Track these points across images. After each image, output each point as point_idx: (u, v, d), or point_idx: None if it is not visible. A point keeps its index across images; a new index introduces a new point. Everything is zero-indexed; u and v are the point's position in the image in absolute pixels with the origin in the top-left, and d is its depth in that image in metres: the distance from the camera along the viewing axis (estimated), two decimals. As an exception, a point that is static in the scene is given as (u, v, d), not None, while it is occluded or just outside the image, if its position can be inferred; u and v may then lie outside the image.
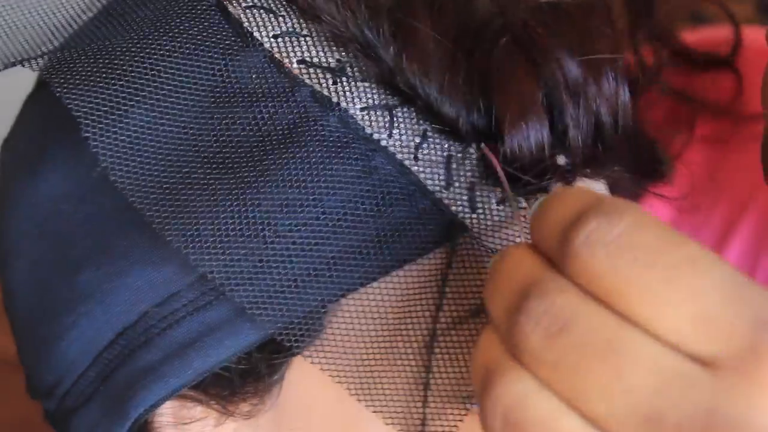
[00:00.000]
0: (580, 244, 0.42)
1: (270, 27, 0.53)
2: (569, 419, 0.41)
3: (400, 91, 0.52)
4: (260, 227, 0.50)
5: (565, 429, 0.41)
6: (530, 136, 0.51)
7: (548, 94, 0.52)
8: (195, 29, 0.53)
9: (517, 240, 0.52)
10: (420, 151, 0.52)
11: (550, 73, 0.51)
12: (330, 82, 0.52)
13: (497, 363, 0.43)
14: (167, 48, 0.53)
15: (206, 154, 0.52)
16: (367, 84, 0.52)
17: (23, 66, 0.54)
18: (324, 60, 0.53)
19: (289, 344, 0.51)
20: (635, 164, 0.56)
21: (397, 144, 0.52)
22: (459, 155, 0.52)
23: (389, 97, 0.52)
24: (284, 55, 0.53)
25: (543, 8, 0.53)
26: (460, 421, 0.52)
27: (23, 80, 0.58)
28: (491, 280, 0.45)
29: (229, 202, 0.51)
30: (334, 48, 0.53)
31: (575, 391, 0.41)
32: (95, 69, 0.53)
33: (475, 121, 0.52)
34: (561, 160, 0.53)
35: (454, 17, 0.53)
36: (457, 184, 0.52)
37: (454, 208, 0.52)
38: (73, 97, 0.52)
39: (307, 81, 0.52)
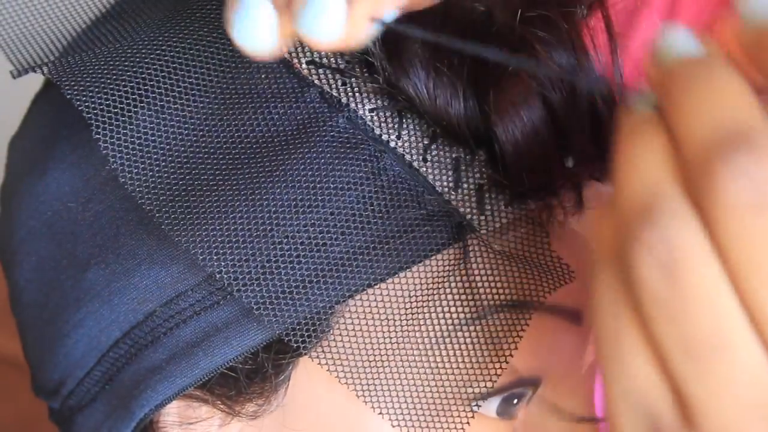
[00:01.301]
0: (723, 181, 0.36)
1: None
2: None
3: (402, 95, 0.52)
4: (268, 227, 0.50)
5: None
6: (525, 122, 0.51)
7: (539, 86, 0.51)
8: (204, 30, 0.53)
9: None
10: (429, 152, 0.52)
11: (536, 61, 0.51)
12: (339, 83, 0.52)
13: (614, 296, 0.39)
14: (177, 49, 0.53)
15: (215, 155, 0.52)
16: (375, 85, 0.52)
17: (35, 72, 0.54)
18: (333, 61, 0.53)
19: (295, 345, 0.51)
20: None
21: (405, 145, 0.52)
22: (467, 157, 0.52)
23: (397, 99, 0.52)
24: (293, 55, 0.53)
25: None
26: (467, 423, 0.53)
27: (29, 80, 0.58)
28: (624, 160, 0.39)
29: (237, 203, 0.51)
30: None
31: (668, 343, 0.37)
32: (106, 71, 0.53)
33: (469, 115, 0.51)
34: (569, 162, 0.53)
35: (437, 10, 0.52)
36: (465, 186, 0.52)
37: (462, 209, 0.52)
38: (84, 98, 0.52)
39: (317, 82, 0.52)
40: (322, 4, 0.42)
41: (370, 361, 0.52)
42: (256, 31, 0.44)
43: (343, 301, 0.51)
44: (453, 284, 0.52)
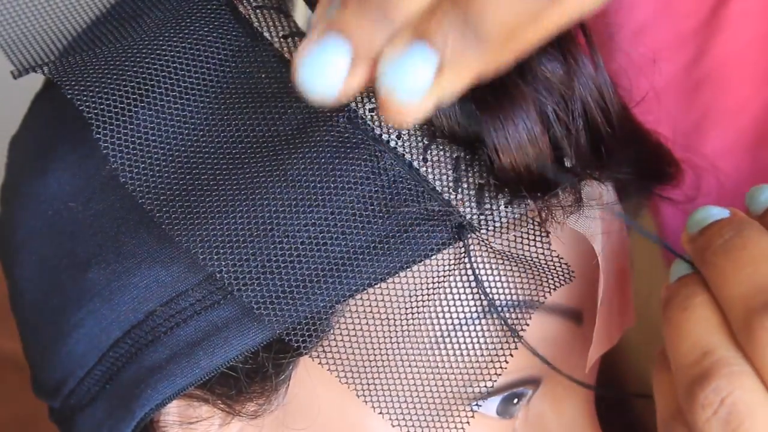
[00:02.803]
0: (763, 336, 0.43)
1: (279, 27, 0.53)
2: None
3: None
4: (269, 227, 0.51)
5: None
6: (517, 127, 0.51)
7: (534, 91, 0.51)
8: (205, 29, 0.54)
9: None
10: (429, 152, 0.52)
11: (530, 68, 0.51)
12: (339, 82, 0.52)
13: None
14: (177, 49, 0.53)
15: (216, 154, 0.52)
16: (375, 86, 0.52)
17: (36, 72, 0.54)
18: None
19: (296, 344, 0.51)
20: (641, 166, 0.56)
21: (405, 145, 0.52)
22: (468, 157, 0.52)
23: None
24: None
25: None
26: (467, 423, 0.53)
27: (29, 80, 0.58)
28: (673, 329, 0.46)
29: (238, 202, 0.51)
30: None
31: None
32: (106, 70, 0.53)
33: (465, 118, 0.51)
34: (568, 162, 0.53)
35: None
36: (465, 186, 0.52)
37: (462, 209, 0.52)
38: (85, 98, 0.52)
39: (317, 81, 0.52)
40: (413, 65, 0.42)
41: (370, 361, 0.52)
42: (325, 74, 0.43)
43: (344, 300, 0.51)
44: (453, 284, 0.52)
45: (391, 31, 0.42)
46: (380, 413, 0.52)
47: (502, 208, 0.52)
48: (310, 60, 0.42)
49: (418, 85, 0.42)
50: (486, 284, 0.52)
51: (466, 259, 0.52)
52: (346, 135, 0.52)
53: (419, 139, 0.52)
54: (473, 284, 0.52)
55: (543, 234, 0.53)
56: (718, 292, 0.46)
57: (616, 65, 0.57)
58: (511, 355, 0.52)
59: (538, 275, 0.53)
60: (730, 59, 0.71)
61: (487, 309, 0.52)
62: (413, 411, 0.52)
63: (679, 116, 0.72)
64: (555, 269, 0.53)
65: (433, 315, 0.52)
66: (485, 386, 0.53)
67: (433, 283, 0.52)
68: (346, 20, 0.42)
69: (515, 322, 0.52)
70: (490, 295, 0.52)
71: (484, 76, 0.43)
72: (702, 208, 0.48)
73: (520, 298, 0.53)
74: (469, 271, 0.52)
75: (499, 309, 0.52)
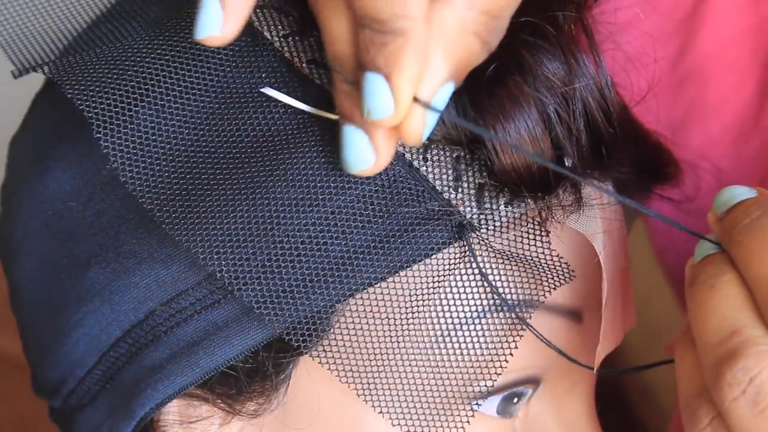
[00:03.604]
0: None
1: (279, 26, 0.53)
2: None
3: None
4: (269, 226, 0.51)
5: None
6: (517, 127, 0.51)
7: (535, 90, 0.51)
8: None
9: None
10: (429, 151, 0.52)
11: (531, 68, 0.51)
12: (339, 82, 0.52)
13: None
14: (177, 48, 0.53)
15: (216, 154, 0.52)
16: None
17: (36, 72, 0.54)
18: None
19: (296, 344, 0.51)
20: (641, 166, 0.57)
21: (406, 144, 0.52)
22: (467, 156, 0.52)
23: None
24: (294, 54, 0.53)
25: None
26: (467, 422, 0.53)
27: (29, 80, 0.58)
28: (699, 308, 0.46)
29: (238, 202, 0.51)
30: None
31: None
32: (106, 70, 0.53)
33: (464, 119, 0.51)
34: (568, 162, 0.53)
35: None
36: (465, 185, 0.52)
37: (462, 208, 0.52)
38: (85, 98, 0.52)
39: (317, 80, 0.52)
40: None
41: (370, 360, 0.52)
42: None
43: (344, 300, 0.51)
44: (454, 283, 0.52)
45: None
46: (380, 412, 0.52)
47: (502, 207, 0.52)
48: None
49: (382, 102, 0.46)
50: (486, 284, 0.52)
51: (469, 258, 0.52)
52: (347, 134, 0.52)
53: (419, 138, 0.52)
54: (474, 283, 0.52)
55: (543, 233, 0.53)
56: (745, 270, 0.45)
57: (615, 64, 0.57)
58: (512, 354, 0.53)
59: (539, 275, 0.53)
60: (712, 55, 0.71)
61: (487, 308, 0.52)
62: (413, 410, 0.52)
63: (665, 112, 0.72)
64: (555, 269, 0.53)
65: (434, 314, 0.52)
66: (485, 385, 0.53)
67: (434, 282, 0.52)
68: None
69: (516, 321, 0.52)
70: (492, 295, 0.52)
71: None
72: (727, 189, 0.48)
73: (521, 297, 0.53)
74: (470, 271, 0.52)
75: (503, 306, 0.52)
